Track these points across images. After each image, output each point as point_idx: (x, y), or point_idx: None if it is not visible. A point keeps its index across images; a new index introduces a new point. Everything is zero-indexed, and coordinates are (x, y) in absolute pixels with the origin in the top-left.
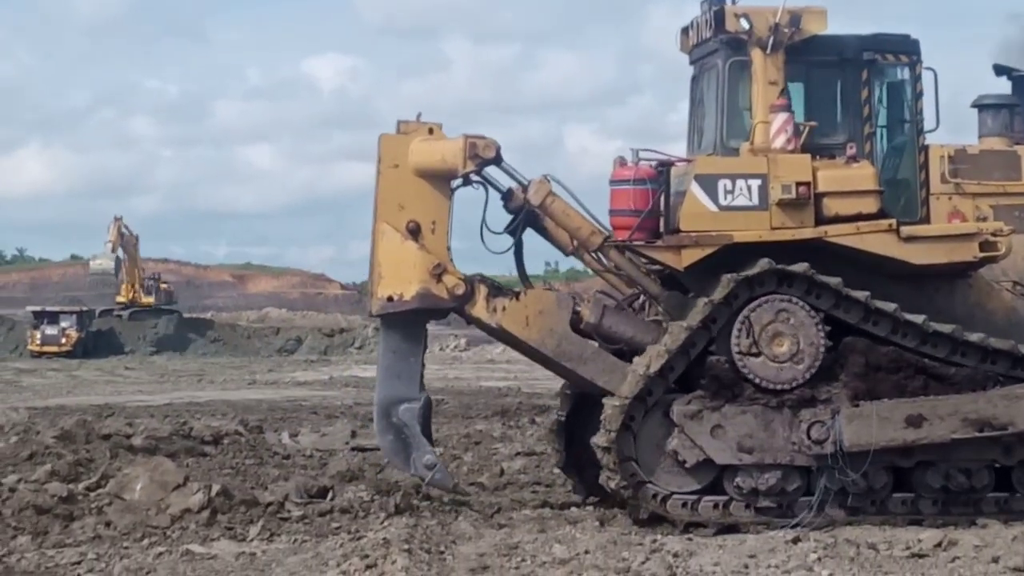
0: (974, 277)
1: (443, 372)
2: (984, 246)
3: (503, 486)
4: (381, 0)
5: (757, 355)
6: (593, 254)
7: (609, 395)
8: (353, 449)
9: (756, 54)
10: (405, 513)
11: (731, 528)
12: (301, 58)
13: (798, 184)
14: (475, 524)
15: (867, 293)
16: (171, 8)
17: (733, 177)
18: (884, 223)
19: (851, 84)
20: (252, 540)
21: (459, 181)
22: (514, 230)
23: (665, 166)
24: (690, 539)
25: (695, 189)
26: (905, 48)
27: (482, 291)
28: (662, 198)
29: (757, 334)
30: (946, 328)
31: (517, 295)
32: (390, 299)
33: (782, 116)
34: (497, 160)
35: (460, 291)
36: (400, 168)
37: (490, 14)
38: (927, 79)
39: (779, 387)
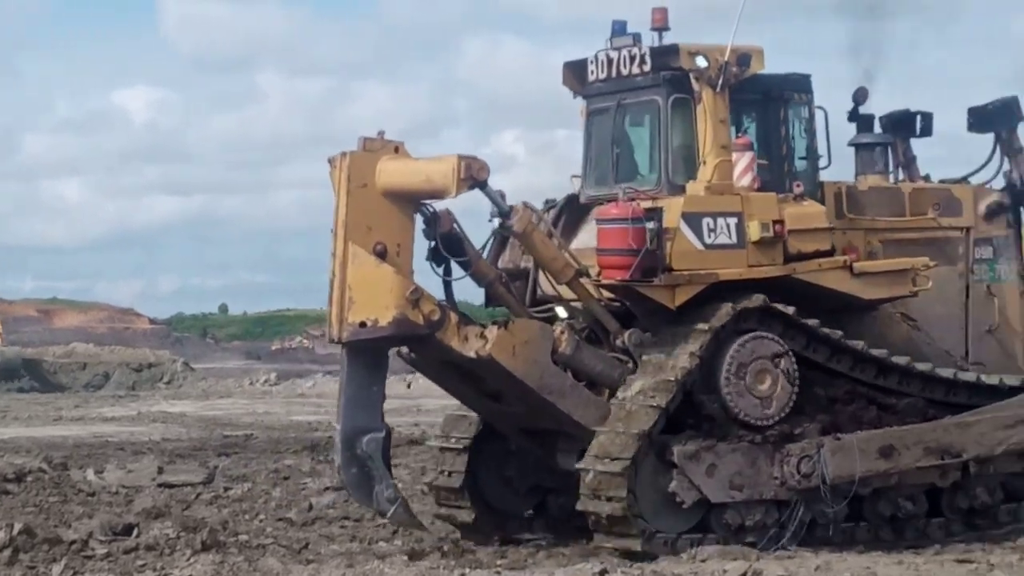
0: (879, 309)
1: (253, 407)
2: (915, 280)
3: (312, 521)
4: (193, 33)
5: (744, 392)
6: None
7: (578, 429)
8: (160, 485)
9: (707, 92)
10: (212, 550)
11: None
12: (111, 91)
13: (774, 223)
14: (283, 560)
15: (840, 333)
16: None
17: (714, 215)
18: (839, 260)
19: (772, 122)
20: None
21: None
22: (439, 259)
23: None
24: (498, 572)
25: (683, 228)
26: (804, 86)
27: (452, 318)
28: (657, 237)
29: (745, 370)
30: (902, 360)
31: (505, 324)
32: (363, 325)
33: (748, 155)
34: (485, 183)
35: (436, 317)
36: (368, 188)
37: (305, 48)
38: (819, 117)
39: (763, 423)
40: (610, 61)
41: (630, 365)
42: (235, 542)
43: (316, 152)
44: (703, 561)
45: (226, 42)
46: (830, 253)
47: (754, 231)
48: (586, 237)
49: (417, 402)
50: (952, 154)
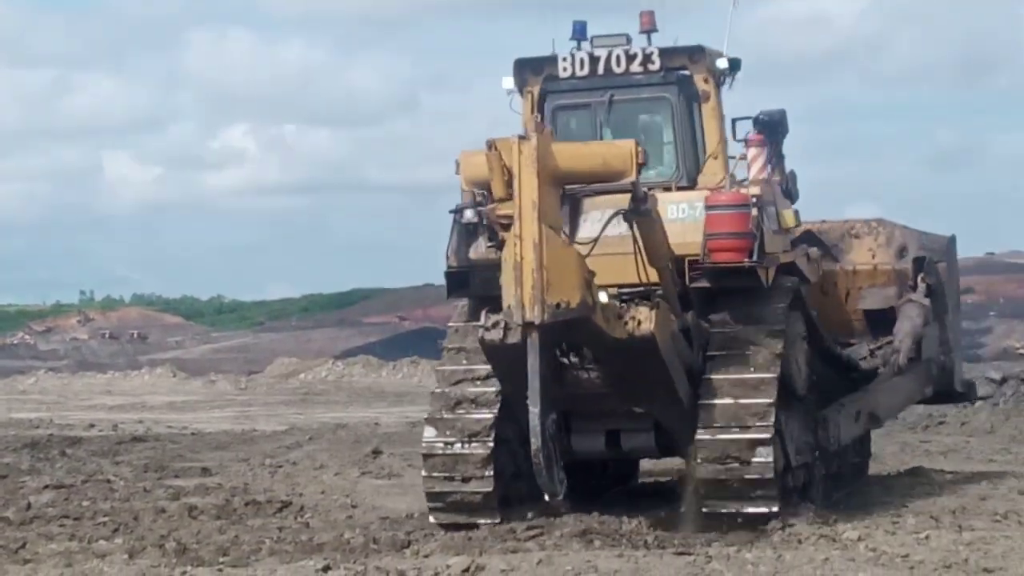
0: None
1: None
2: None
3: (30, 520)
4: None
5: (802, 364)
6: None
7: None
8: None
9: (715, 92)
10: None
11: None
12: None
13: (794, 211)
14: None
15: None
16: None
17: (766, 204)
18: (804, 247)
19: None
20: None
21: None
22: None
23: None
24: (220, 570)
25: (768, 214)
26: None
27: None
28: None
29: (799, 344)
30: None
31: (657, 304)
32: (558, 306)
33: (765, 150)
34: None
35: (598, 298)
36: (546, 171)
37: (25, 38)
38: None
39: (803, 392)
40: (594, 59)
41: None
42: None
43: (38, 144)
44: (426, 557)
45: None
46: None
47: (789, 218)
48: (590, 227)
49: (142, 399)
50: None
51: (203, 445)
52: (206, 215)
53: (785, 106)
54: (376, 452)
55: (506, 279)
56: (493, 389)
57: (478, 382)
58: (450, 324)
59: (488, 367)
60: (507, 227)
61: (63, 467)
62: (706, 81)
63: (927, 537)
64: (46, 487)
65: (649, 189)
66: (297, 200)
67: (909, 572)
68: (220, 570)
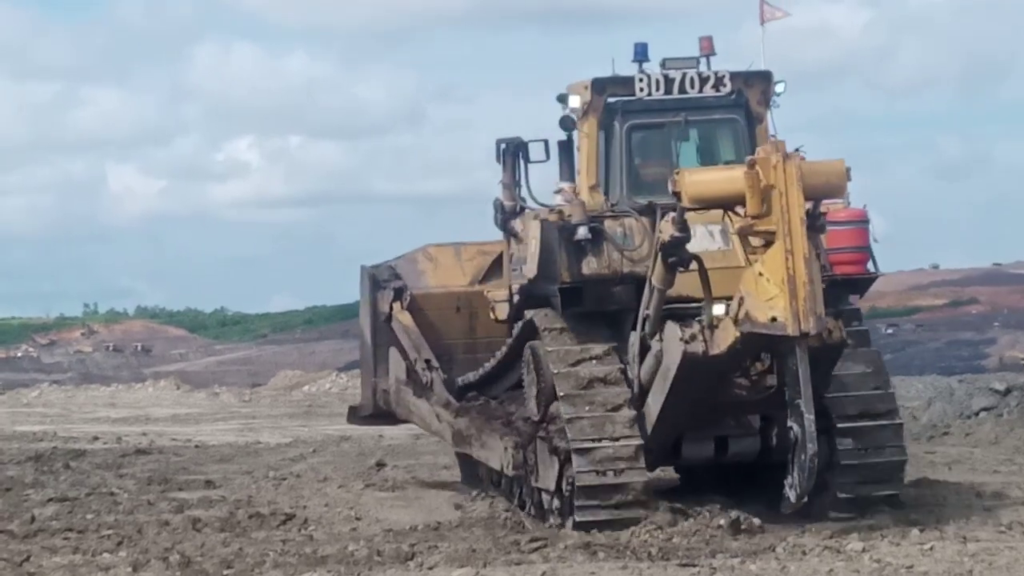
0: None
1: None
2: None
3: (34, 533)
4: None
5: None
6: None
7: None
8: None
9: (767, 114)
10: None
11: None
12: None
13: None
14: (2, 573)
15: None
16: None
17: None
18: None
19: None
20: None
21: None
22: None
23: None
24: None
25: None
26: None
27: None
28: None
29: None
30: None
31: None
32: (820, 317)
33: None
34: None
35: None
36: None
37: (31, 50)
38: None
39: None
40: (669, 80)
41: None
42: None
43: (43, 157)
44: (431, 569)
45: None
46: None
47: None
48: (697, 243)
49: (146, 412)
50: None
51: (207, 458)
52: (210, 227)
53: (790, 116)
54: (380, 464)
55: (761, 292)
56: (616, 367)
57: (594, 362)
58: (537, 309)
59: (602, 346)
60: (768, 243)
61: (67, 480)
62: (759, 103)
63: (932, 548)
64: (50, 500)
65: None
66: (302, 212)
67: None
68: None
